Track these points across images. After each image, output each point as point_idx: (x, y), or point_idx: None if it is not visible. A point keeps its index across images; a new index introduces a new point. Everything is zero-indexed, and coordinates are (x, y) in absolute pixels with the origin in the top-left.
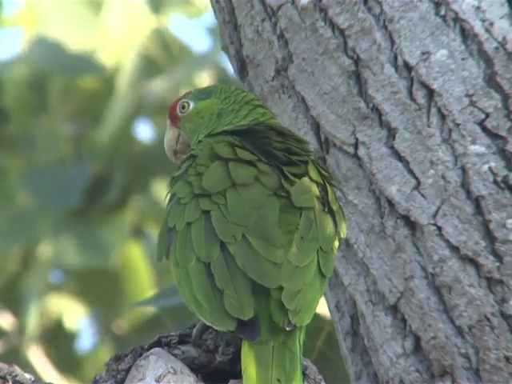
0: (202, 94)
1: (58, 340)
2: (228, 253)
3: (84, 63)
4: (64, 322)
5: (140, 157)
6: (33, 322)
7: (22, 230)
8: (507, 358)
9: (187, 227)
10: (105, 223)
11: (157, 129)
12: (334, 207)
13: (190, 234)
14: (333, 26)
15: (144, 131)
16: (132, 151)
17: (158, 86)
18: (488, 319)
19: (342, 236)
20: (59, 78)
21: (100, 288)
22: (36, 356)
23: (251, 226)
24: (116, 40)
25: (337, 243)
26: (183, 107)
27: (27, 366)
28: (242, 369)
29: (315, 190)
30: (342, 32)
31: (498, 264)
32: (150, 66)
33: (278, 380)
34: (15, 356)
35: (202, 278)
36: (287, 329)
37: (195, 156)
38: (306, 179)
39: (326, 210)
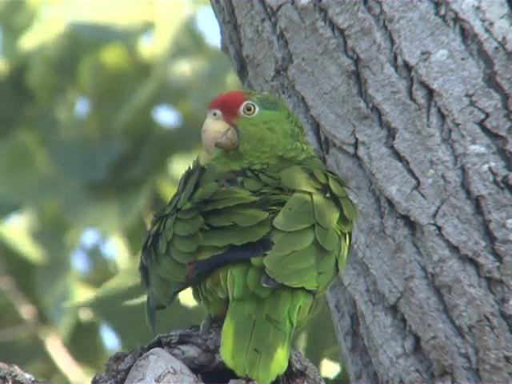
0: (267, 103)
1: (79, 330)
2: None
3: (115, 34)
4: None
5: (161, 140)
6: (55, 311)
7: (45, 196)
8: (507, 358)
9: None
10: (125, 198)
11: (179, 112)
12: (339, 194)
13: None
14: (333, 25)
15: (167, 114)
16: (153, 134)
17: (182, 71)
18: (488, 319)
19: (353, 218)
20: (87, 57)
21: None
22: (55, 345)
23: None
24: (155, 23)
25: (348, 228)
26: (248, 109)
27: (45, 355)
28: (221, 341)
29: (310, 181)
30: (341, 32)
31: (497, 264)
32: (178, 53)
33: (256, 350)
34: (33, 345)
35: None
36: (264, 285)
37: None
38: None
39: (328, 195)
